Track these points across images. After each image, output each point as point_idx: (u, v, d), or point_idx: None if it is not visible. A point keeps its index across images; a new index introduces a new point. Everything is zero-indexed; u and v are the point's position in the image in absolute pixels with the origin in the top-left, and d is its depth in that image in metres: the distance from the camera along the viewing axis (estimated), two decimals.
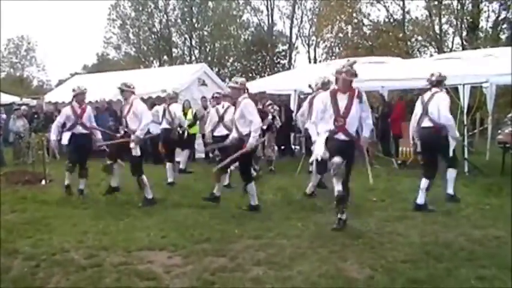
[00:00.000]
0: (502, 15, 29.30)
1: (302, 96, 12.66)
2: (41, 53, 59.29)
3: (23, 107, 16.72)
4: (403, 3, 32.00)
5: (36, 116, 16.53)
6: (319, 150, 6.66)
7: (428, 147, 7.85)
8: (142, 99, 11.06)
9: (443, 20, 30.12)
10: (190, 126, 12.88)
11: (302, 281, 4.74)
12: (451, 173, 8.15)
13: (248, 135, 7.63)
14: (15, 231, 6.68)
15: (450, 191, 8.20)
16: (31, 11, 74.43)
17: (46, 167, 11.31)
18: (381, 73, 13.68)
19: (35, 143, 12.16)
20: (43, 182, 10.92)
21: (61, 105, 18.01)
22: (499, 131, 12.23)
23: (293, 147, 15.89)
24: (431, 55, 28.86)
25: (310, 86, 12.05)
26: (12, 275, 5.08)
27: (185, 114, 13.66)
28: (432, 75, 8.02)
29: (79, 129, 9.33)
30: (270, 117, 12.04)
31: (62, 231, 6.72)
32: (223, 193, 8.31)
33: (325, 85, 8.65)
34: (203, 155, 14.97)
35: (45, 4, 69.57)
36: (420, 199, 7.64)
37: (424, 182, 7.63)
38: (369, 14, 33.96)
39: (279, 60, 43.64)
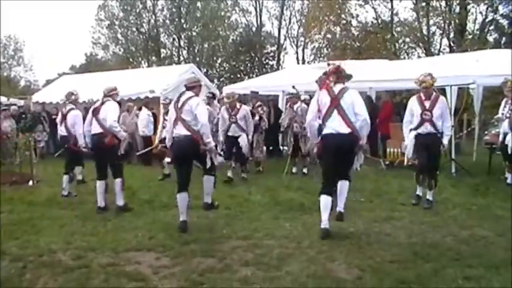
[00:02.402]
0: (489, 18, 29.54)
1: (287, 97, 12.67)
2: (28, 53, 58.86)
3: (13, 107, 16.62)
4: (391, 5, 32.14)
5: (23, 116, 16.40)
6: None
7: None
8: (130, 99, 11.05)
9: (431, 21, 30.29)
10: None
11: (290, 282, 4.75)
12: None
13: None
14: (2, 232, 6.62)
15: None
16: (18, 11, 74.06)
17: (33, 167, 11.24)
18: (369, 74, 13.73)
19: (22, 143, 12.06)
20: (30, 182, 10.86)
21: (48, 106, 17.97)
22: (486, 132, 12.33)
23: (281, 148, 15.90)
24: (418, 56, 29.05)
25: (294, 87, 12.14)
26: None
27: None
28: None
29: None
30: (256, 117, 12.06)
31: (50, 232, 6.69)
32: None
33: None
34: None
35: (33, 4, 69.06)
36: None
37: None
38: (357, 16, 34.11)
39: (267, 61, 43.64)
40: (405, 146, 8.26)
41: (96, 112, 8.37)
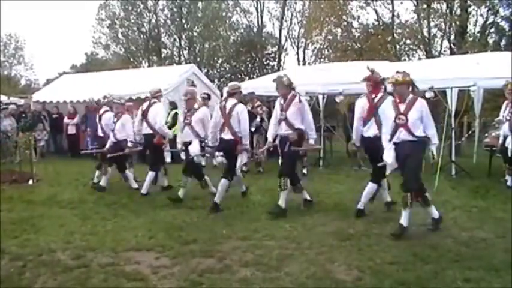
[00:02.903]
0: (490, 20, 29.52)
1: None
2: (29, 51, 58.88)
3: (11, 106, 16.60)
4: (392, 7, 32.11)
5: (23, 115, 16.41)
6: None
7: None
8: (131, 99, 11.06)
9: (432, 23, 30.26)
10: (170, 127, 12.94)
11: (290, 282, 4.75)
12: None
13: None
14: (2, 231, 6.62)
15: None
16: (19, 10, 74.01)
17: (33, 166, 11.24)
18: None
19: (22, 142, 12.05)
20: (30, 181, 10.86)
21: (49, 105, 17.97)
22: (486, 134, 12.33)
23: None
24: (419, 58, 29.02)
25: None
26: None
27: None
28: None
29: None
30: (258, 119, 12.03)
31: (49, 232, 6.69)
32: (210, 194, 8.33)
33: None
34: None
35: (34, 3, 69.08)
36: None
37: None
38: (358, 17, 34.06)
39: (268, 61, 43.59)
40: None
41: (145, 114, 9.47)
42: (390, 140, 6.54)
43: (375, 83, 7.33)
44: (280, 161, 8.22)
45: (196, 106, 8.88)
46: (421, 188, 6.53)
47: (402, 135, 6.47)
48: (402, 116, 6.45)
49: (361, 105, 7.47)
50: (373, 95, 7.31)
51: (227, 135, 8.07)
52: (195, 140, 8.63)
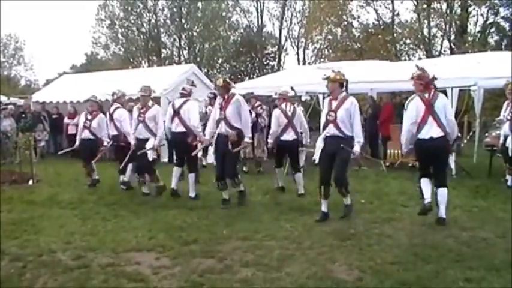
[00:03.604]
0: (490, 20, 29.53)
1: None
2: (28, 52, 58.79)
3: (10, 107, 16.59)
4: (393, 6, 32.11)
5: (23, 115, 16.40)
6: None
7: None
8: (131, 99, 11.04)
9: (432, 23, 30.27)
10: None
11: (290, 283, 4.73)
12: None
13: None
14: (2, 232, 6.62)
15: None
16: (19, 10, 74.02)
17: (33, 167, 11.23)
18: (370, 75, 13.73)
19: (22, 142, 12.04)
20: (30, 182, 10.84)
21: (48, 105, 17.95)
22: (486, 134, 12.32)
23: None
24: (419, 58, 29.02)
25: (292, 88, 12.12)
26: None
27: None
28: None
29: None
30: (253, 115, 11.95)
31: (49, 232, 6.68)
32: (210, 194, 8.32)
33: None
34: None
35: (34, 3, 69.12)
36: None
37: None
38: (358, 17, 34.08)
39: (268, 61, 43.64)
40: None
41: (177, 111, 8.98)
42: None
43: (426, 82, 6.91)
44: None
45: (150, 103, 9.28)
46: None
47: (331, 131, 7.15)
48: (332, 113, 7.13)
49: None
50: (427, 94, 6.85)
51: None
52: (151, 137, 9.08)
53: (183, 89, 9.21)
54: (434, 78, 6.97)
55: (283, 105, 9.52)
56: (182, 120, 8.86)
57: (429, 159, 6.99)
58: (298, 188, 9.30)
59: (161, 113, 9.40)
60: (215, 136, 8.26)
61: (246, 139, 8.17)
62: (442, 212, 6.85)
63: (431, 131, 6.75)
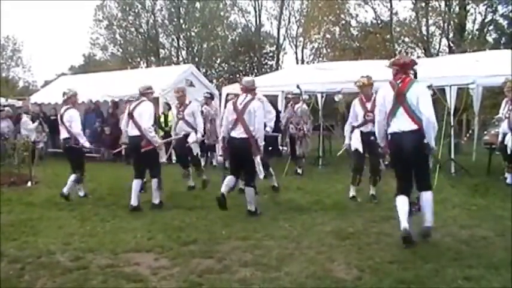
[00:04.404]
0: (489, 18, 29.54)
1: (291, 96, 12.60)
2: (27, 53, 58.82)
3: (7, 109, 16.58)
4: (391, 5, 32.12)
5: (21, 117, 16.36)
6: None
7: None
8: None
9: (430, 21, 30.29)
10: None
11: (290, 282, 4.73)
12: None
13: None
14: (1, 234, 6.61)
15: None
16: (17, 11, 73.97)
17: (32, 168, 11.22)
18: (368, 74, 13.71)
19: (20, 144, 12.03)
20: (29, 183, 10.84)
21: (46, 106, 17.94)
22: (485, 132, 12.32)
23: (280, 148, 15.88)
24: (418, 57, 29.02)
25: (298, 86, 12.10)
26: None
27: (165, 117, 13.73)
28: None
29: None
30: None
31: (48, 233, 6.67)
32: (209, 194, 8.31)
33: None
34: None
35: (31, 4, 69.04)
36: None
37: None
38: (356, 15, 34.11)
39: (266, 61, 43.67)
40: (347, 143, 8.70)
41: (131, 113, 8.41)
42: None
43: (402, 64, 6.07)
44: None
45: (187, 101, 9.81)
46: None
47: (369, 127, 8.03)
48: (370, 114, 7.92)
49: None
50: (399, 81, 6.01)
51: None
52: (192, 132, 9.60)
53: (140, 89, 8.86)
54: (414, 63, 6.23)
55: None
56: (136, 124, 8.31)
57: (403, 159, 5.96)
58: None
59: (198, 110, 10.00)
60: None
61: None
62: (428, 220, 5.92)
63: (401, 124, 5.85)
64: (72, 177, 9.12)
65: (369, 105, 8.20)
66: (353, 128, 8.50)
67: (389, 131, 6.00)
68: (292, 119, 11.95)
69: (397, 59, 6.21)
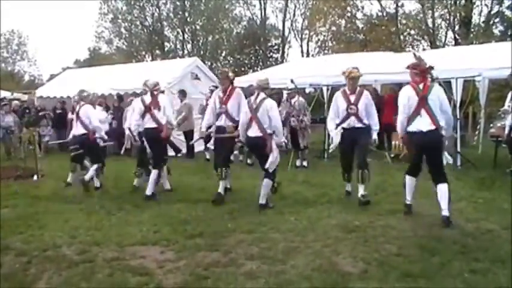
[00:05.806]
0: (495, 10, 29.37)
1: (286, 92, 12.63)
2: (32, 47, 58.93)
3: (15, 102, 16.63)
4: None
5: (27, 111, 16.42)
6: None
7: None
8: (135, 93, 11.02)
9: (436, 14, 30.14)
10: None
11: (295, 275, 4.73)
12: None
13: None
14: (7, 227, 6.64)
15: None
16: (22, 5, 74.00)
17: (38, 162, 11.24)
18: (374, 67, 13.66)
19: (26, 138, 12.07)
20: (35, 177, 10.86)
21: (52, 100, 17.97)
22: (491, 125, 12.25)
23: (285, 141, 15.83)
24: (424, 49, 28.92)
25: (292, 81, 12.12)
26: (4, 271, 5.06)
27: None
28: None
29: None
30: None
31: (54, 227, 6.69)
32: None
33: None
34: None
35: None
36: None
37: None
38: (362, 8, 33.98)
39: (271, 54, 43.67)
40: (335, 144, 8.12)
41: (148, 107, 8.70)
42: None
43: (421, 70, 6.74)
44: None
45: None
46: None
47: (353, 122, 7.86)
48: (353, 106, 7.84)
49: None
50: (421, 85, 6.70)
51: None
52: None
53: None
54: (431, 68, 6.80)
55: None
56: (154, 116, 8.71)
57: (420, 154, 6.78)
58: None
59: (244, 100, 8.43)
60: None
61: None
62: (445, 210, 6.43)
63: (422, 123, 6.57)
64: (95, 166, 9.35)
65: (352, 98, 7.91)
66: (337, 126, 8.08)
67: (410, 129, 6.73)
68: (293, 112, 11.96)
69: (416, 63, 6.80)
